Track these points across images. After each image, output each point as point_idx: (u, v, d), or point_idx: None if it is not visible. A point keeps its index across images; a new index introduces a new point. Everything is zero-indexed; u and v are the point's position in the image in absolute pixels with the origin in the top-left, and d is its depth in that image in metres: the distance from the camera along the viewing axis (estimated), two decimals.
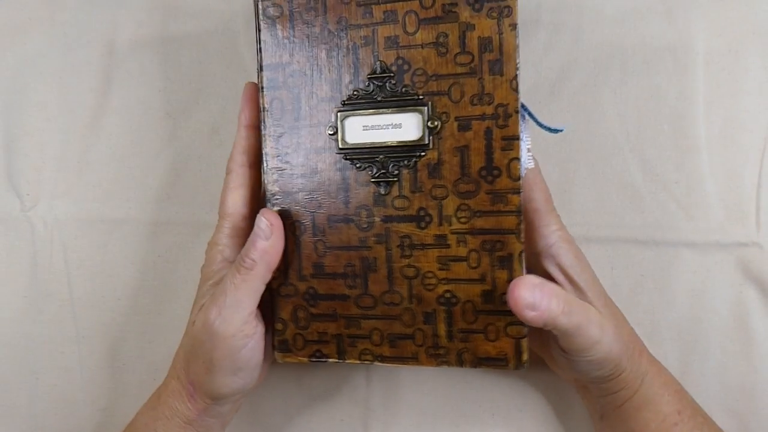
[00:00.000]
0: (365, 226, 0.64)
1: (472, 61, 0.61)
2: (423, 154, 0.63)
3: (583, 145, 0.78)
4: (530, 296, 0.58)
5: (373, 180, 0.64)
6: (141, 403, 0.74)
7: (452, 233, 0.63)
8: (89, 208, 0.85)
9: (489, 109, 0.61)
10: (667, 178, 0.76)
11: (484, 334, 0.63)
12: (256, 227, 0.64)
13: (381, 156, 0.63)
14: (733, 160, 0.76)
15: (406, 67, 0.63)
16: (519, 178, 0.61)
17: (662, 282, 0.77)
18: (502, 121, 0.60)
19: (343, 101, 0.64)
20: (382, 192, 0.64)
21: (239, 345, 0.64)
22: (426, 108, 0.62)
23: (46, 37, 0.87)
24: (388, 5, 0.63)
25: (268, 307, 0.68)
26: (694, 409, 0.68)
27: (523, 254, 0.61)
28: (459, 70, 0.61)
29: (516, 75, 0.60)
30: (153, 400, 0.72)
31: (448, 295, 0.63)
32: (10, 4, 0.87)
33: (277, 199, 0.66)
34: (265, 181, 0.67)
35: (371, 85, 0.64)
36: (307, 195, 0.66)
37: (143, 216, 0.85)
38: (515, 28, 0.60)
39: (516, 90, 0.60)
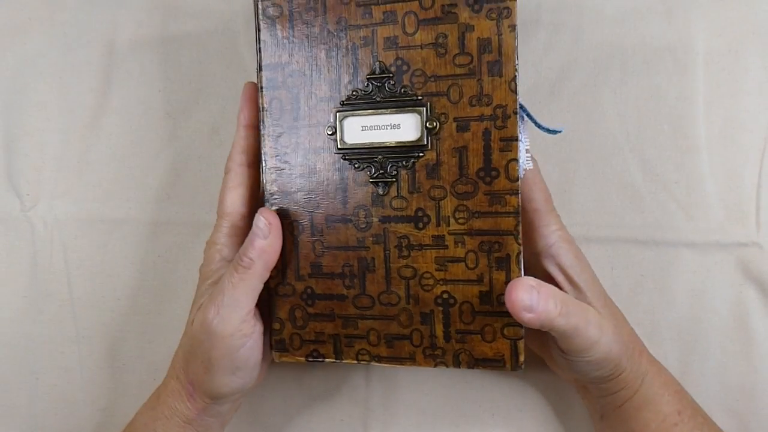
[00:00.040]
0: (363, 226, 0.64)
1: (471, 62, 0.61)
2: (421, 154, 0.62)
3: (583, 145, 0.78)
4: (527, 298, 0.58)
5: (371, 180, 0.64)
6: (141, 403, 0.74)
7: (450, 234, 0.63)
8: (89, 208, 0.85)
9: (488, 110, 0.61)
10: (667, 178, 0.76)
11: (481, 335, 0.63)
12: (254, 226, 0.64)
13: (379, 156, 0.63)
14: (733, 160, 0.75)
15: (405, 67, 0.63)
16: (517, 179, 0.60)
17: (662, 282, 0.77)
18: (501, 122, 0.60)
19: (342, 101, 0.64)
20: (381, 192, 0.64)
21: (237, 344, 0.64)
22: (425, 109, 0.62)
23: (46, 37, 0.87)
24: (388, 6, 0.63)
25: (267, 306, 0.68)
26: (694, 409, 0.68)
27: (521, 255, 0.61)
28: (458, 71, 0.61)
29: (515, 76, 0.60)
30: (152, 400, 0.72)
31: (445, 295, 0.63)
32: (10, 4, 0.87)
33: (275, 198, 0.67)
34: (264, 181, 0.67)
35: (370, 85, 0.64)
36: (306, 195, 0.66)
37: (143, 216, 0.85)
38: (514, 29, 0.60)
39: (515, 91, 0.60)
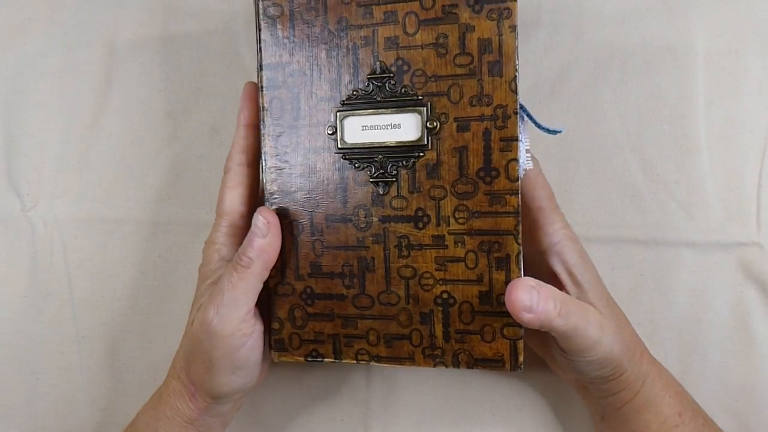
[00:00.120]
0: (363, 225, 0.64)
1: (472, 62, 0.61)
2: (422, 154, 0.62)
3: (583, 145, 0.78)
4: (527, 298, 0.58)
5: (371, 180, 0.64)
6: (141, 403, 0.74)
7: (450, 234, 0.63)
8: (89, 208, 0.85)
9: (488, 110, 0.61)
10: (667, 178, 0.76)
11: (480, 335, 0.63)
12: (253, 225, 0.64)
13: (380, 156, 0.63)
14: (733, 160, 0.76)
15: (405, 67, 0.63)
16: (517, 179, 0.60)
17: (662, 282, 0.77)
18: (501, 122, 0.60)
19: (343, 101, 0.64)
20: (381, 192, 0.64)
21: (237, 344, 0.64)
22: (425, 108, 0.62)
23: (46, 37, 0.87)
24: (389, 6, 0.63)
25: (267, 306, 0.69)
26: (695, 410, 0.68)
27: (521, 255, 0.61)
28: (458, 71, 0.61)
29: (515, 76, 0.60)
30: (154, 401, 0.72)
31: (445, 295, 0.63)
32: (10, 4, 0.87)
33: (275, 198, 0.67)
34: (264, 180, 0.67)
35: (371, 85, 0.64)
36: (306, 194, 0.66)
37: (143, 216, 0.85)
38: (515, 29, 0.60)
39: (515, 91, 0.60)
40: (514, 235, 0.61)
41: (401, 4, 0.62)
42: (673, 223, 0.76)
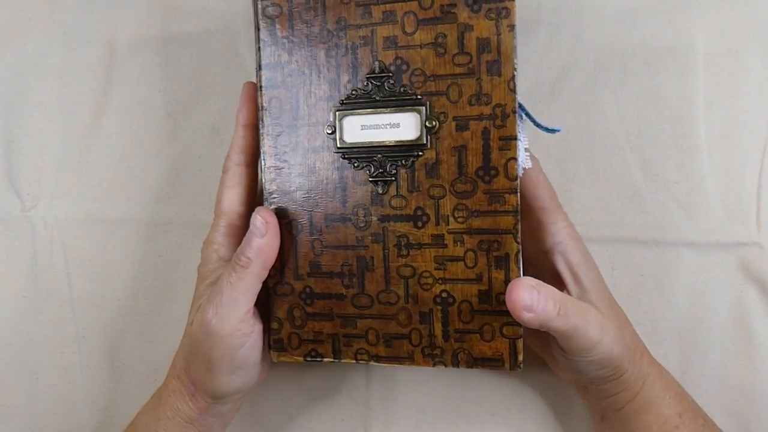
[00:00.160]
0: (362, 225, 0.64)
1: (471, 61, 0.61)
2: (421, 153, 0.62)
3: (583, 145, 0.78)
4: (528, 297, 0.58)
5: (370, 179, 0.64)
6: (141, 403, 0.74)
7: (449, 233, 0.63)
8: (89, 208, 0.85)
9: (487, 110, 0.61)
10: (667, 178, 0.76)
11: (479, 334, 0.63)
12: (251, 225, 0.64)
13: (379, 155, 0.63)
14: (733, 160, 0.76)
15: (404, 67, 0.63)
16: (516, 178, 0.60)
17: (662, 282, 0.77)
18: (500, 121, 0.60)
19: (342, 101, 0.64)
20: (380, 191, 0.64)
21: (237, 344, 0.64)
22: (424, 108, 0.62)
23: (46, 37, 0.87)
24: (387, 6, 0.63)
25: (266, 305, 0.68)
26: (695, 411, 0.68)
27: (520, 254, 0.61)
28: (457, 70, 0.61)
29: (514, 75, 0.60)
30: (154, 401, 0.72)
31: (444, 294, 0.63)
32: (10, 4, 0.87)
33: (274, 197, 0.66)
34: (263, 180, 0.67)
35: (370, 84, 0.64)
36: (305, 194, 0.66)
37: (143, 216, 0.85)
38: (513, 29, 0.60)
39: (514, 90, 0.60)
40: (513, 234, 0.61)
41: (400, 3, 0.62)
42: (673, 223, 0.76)
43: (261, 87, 0.66)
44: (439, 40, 0.62)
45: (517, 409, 0.79)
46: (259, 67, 0.66)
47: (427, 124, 0.62)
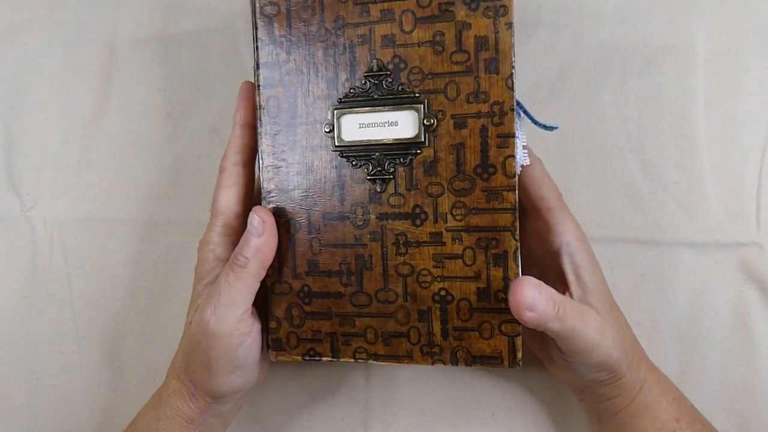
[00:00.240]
0: (360, 223, 0.64)
1: (468, 59, 0.61)
2: (419, 151, 0.62)
3: (583, 145, 0.78)
4: (533, 296, 0.58)
5: (368, 178, 0.64)
6: (141, 403, 0.74)
7: (447, 231, 0.62)
8: (89, 208, 0.86)
9: (485, 107, 0.61)
10: (667, 178, 0.76)
11: (478, 332, 0.63)
12: (249, 225, 0.64)
13: (377, 154, 0.63)
14: (733, 160, 0.75)
15: (402, 65, 0.63)
16: (514, 176, 0.60)
17: (662, 282, 0.77)
18: (498, 119, 0.60)
19: (340, 99, 0.64)
20: (378, 190, 0.64)
21: (235, 343, 0.64)
22: (422, 106, 0.62)
23: (46, 37, 0.87)
24: (385, 4, 0.63)
25: (264, 305, 0.68)
26: (693, 416, 0.68)
27: (519, 252, 0.61)
28: (455, 68, 0.61)
29: (512, 73, 0.60)
30: (154, 401, 0.72)
31: (443, 292, 0.63)
32: (10, 4, 0.87)
33: (272, 196, 0.66)
34: (261, 179, 0.67)
35: (368, 83, 0.64)
36: (303, 192, 0.66)
37: (143, 216, 0.85)
38: (511, 27, 0.60)
39: (511, 88, 0.60)
40: (511, 232, 0.61)
41: (398, 2, 0.62)
42: (673, 223, 0.76)
43: (259, 86, 0.66)
44: (437, 38, 0.62)
45: (517, 409, 0.79)
46: (257, 66, 0.66)
47: (425, 122, 0.62)
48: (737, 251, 0.75)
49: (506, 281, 0.61)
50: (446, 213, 0.62)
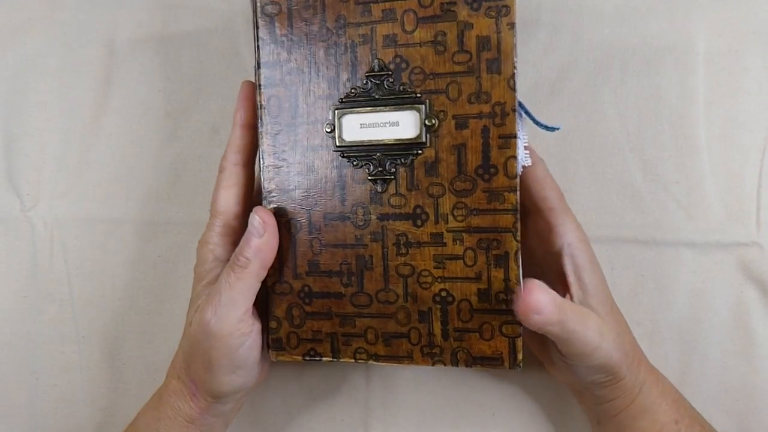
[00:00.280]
0: (361, 223, 0.64)
1: (470, 59, 0.61)
2: (420, 152, 0.62)
3: (583, 145, 0.78)
4: (544, 300, 0.58)
5: (369, 178, 0.64)
6: (141, 403, 0.74)
7: (448, 231, 0.62)
8: (89, 208, 0.85)
9: (486, 108, 0.61)
10: (667, 178, 0.76)
11: (479, 333, 0.63)
12: (249, 225, 0.64)
13: (378, 154, 0.63)
14: (733, 160, 0.76)
15: (404, 65, 0.63)
16: (516, 176, 0.60)
17: (662, 282, 0.77)
18: (500, 119, 0.60)
19: (341, 99, 0.64)
20: (379, 190, 0.64)
21: (236, 344, 0.64)
22: (423, 106, 0.62)
23: (46, 37, 0.87)
24: (387, 4, 0.63)
25: (265, 305, 0.68)
26: (692, 417, 0.68)
27: (520, 253, 0.61)
28: (457, 68, 0.61)
29: (513, 74, 0.60)
30: (154, 401, 0.72)
31: (443, 293, 0.63)
32: (10, 4, 0.87)
33: (273, 196, 0.66)
34: (262, 179, 0.67)
35: (369, 83, 0.63)
36: (304, 192, 0.66)
37: (143, 216, 0.85)
38: (513, 27, 0.60)
39: (513, 89, 0.60)
40: (512, 233, 0.61)
41: (399, 2, 0.62)
42: (673, 223, 0.76)
43: (260, 85, 0.66)
44: (439, 38, 0.62)
45: (517, 409, 0.79)
46: (258, 66, 0.66)
47: (426, 122, 0.62)
48: (737, 251, 0.75)
49: (507, 282, 0.61)
50: (447, 214, 0.62)
